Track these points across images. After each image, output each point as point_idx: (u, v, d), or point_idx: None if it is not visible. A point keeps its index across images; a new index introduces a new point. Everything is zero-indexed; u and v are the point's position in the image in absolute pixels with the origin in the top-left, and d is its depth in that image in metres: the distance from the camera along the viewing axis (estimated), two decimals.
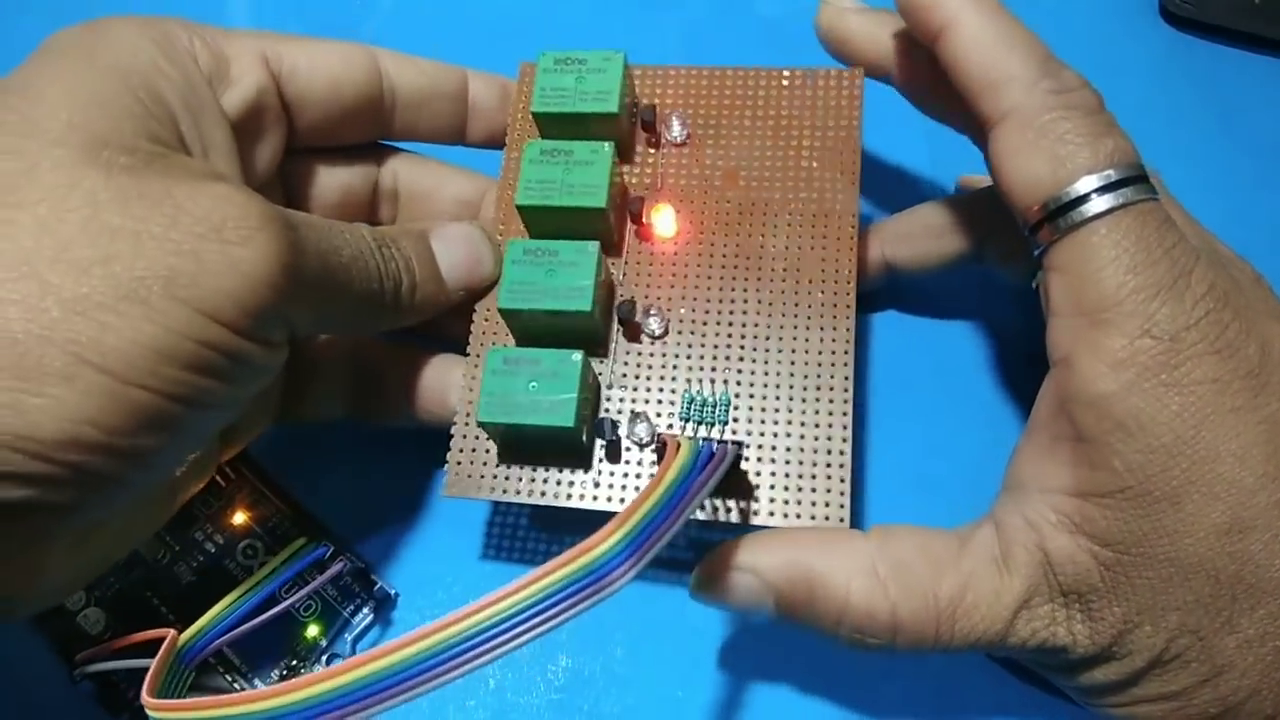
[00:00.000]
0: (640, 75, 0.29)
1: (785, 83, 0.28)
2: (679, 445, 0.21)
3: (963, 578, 0.22)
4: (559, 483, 0.25)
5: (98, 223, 0.19)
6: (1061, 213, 0.22)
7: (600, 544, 0.19)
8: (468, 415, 0.26)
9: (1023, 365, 0.31)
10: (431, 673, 0.17)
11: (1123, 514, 0.21)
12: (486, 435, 0.25)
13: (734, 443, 0.24)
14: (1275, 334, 0.22)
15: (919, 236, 0.29)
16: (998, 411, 0.30)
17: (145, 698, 0.20)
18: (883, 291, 0.31)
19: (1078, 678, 0.22)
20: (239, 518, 0.27)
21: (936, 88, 0.25)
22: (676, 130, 0.28)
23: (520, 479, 0.25)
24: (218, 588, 0.26)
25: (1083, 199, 0.21)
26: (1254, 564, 0.20)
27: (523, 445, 0.25)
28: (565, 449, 0.25)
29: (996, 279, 0.29)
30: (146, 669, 0.24)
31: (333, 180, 0.28)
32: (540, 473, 0.25)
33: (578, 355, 0.24)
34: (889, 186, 0.33)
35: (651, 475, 0.24)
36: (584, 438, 0.24)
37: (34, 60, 0.21)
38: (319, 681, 0.17)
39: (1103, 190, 0.21)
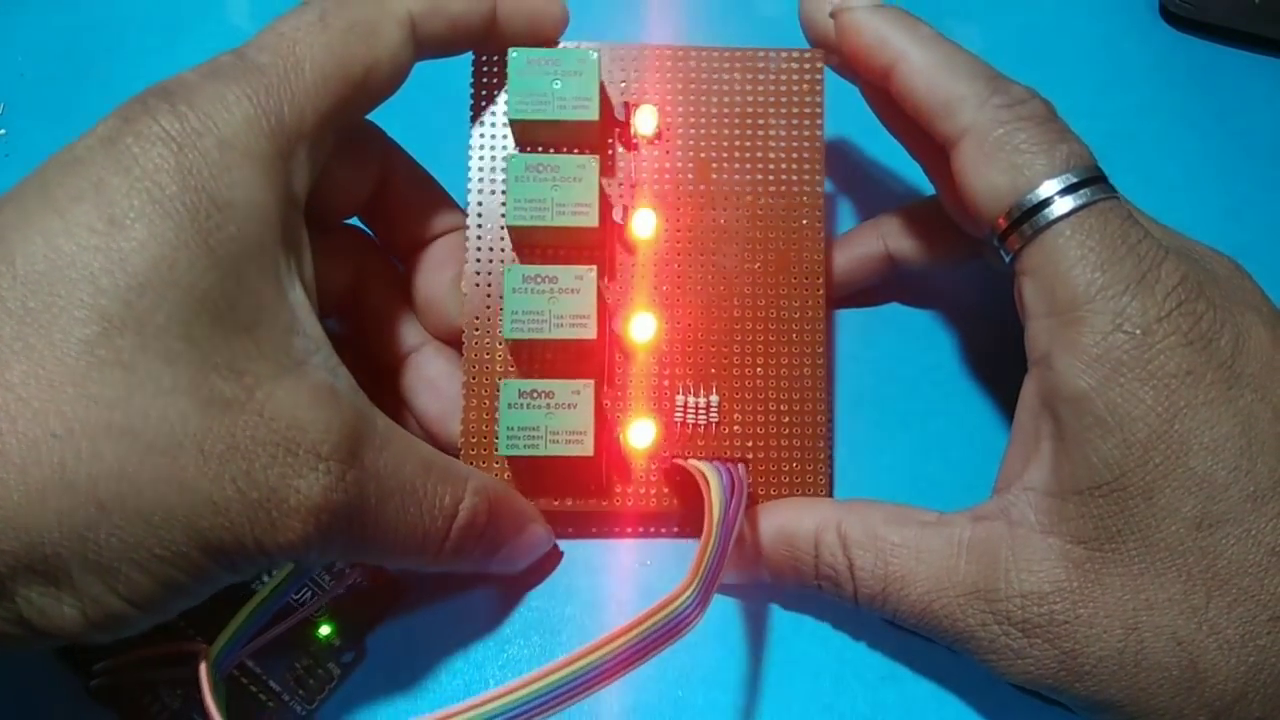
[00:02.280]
0: (609, 56, 0.27)
1: (749, 64, 0.28)
2: (707, 481, 0.24)
3: (917, 552, 0.23)
4: (567, 490, 0.26)
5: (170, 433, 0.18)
6: (1026, 218, 0.22)
7: (679, 596, 0.21)
8: (473, 440, 0.26)
9: (1025, 362, 0.31)
10: (540, 706, 0.20)
11: (1097, 510, 0.21)
12: (499, 463, 0.26)
13: (740, 462, 0.26)
14: (1251, 324, 0.22)
15: (922, 229, 0.29)
16: (1001, 408, 0.30)
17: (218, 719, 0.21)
18: (885, 285, 0.31)
19: (1047, 683, 0.22)
20: None
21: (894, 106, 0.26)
22: (648, 123, 0.27)
23: (536, 495, 0.26)
24: (227, 593, 0.26)
25: (1045, 203, 0.22)
26: (1226, 558, 0.20)
27: (534, 465, 0.26)
28: (579, 468, 0.26)
29: (1000, 274, 0.29)
30: (165, 679, 0.25)
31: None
32: (553, 485, 0.26)
33: (590, 387, 0.25)
34: (890, 181, 0.33)
35: (654, 477, 0.26)
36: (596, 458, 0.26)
37: (130, 200, 0.19)
38: None
39: (1063, 193, 0.22)
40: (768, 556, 0.25)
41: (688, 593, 0.21)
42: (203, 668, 0.23)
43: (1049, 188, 0.22)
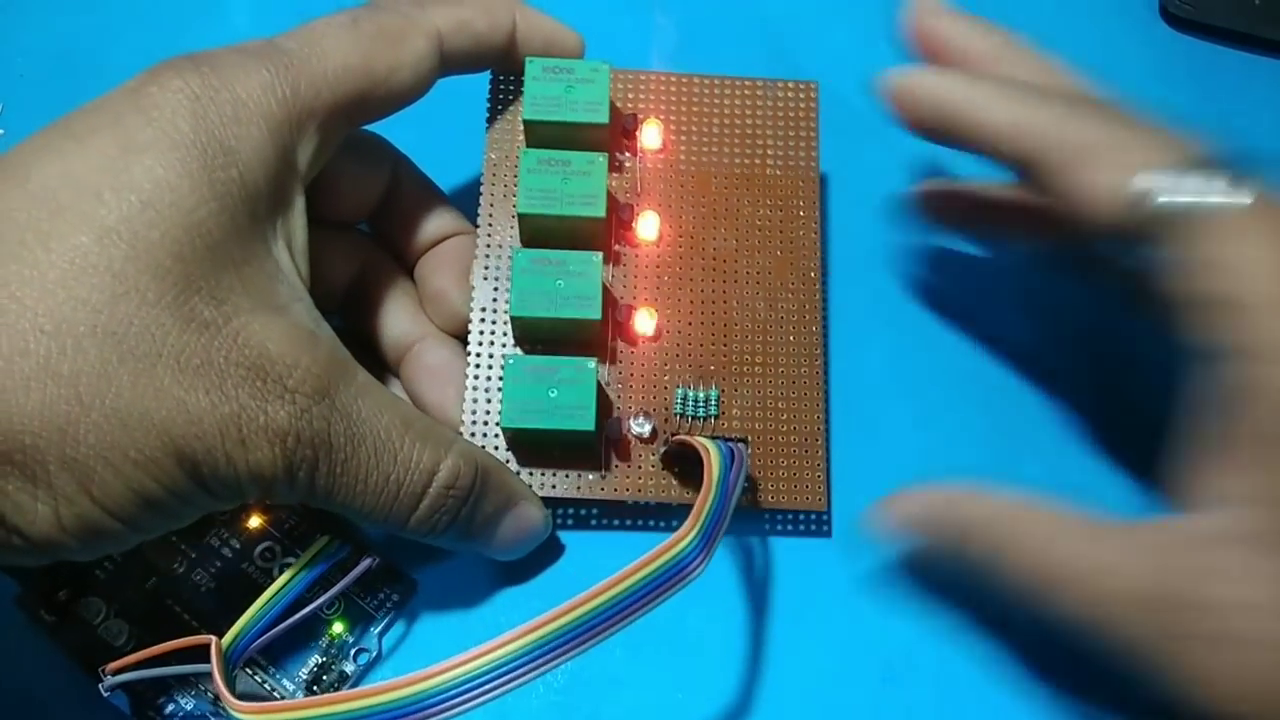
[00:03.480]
0: (617, 80, 0.29)
1: (749, 92, 0.30)
2: (706, 448, 0.24)
3: (1096, 551, 0.21)
4: (568, 476, 0.27)
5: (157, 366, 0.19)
6: (1172, 206, 0.21)
7: (681, 540, 0.21)
8: (474, 417, 0.27)
9: (1033, 368, 0.31)
10: (553, 654, 0.20)
11: None
12: (497, 435, 0.27)
13: (740, 440, 0.27)
14: None
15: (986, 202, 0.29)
16: (1004, 405, 0.30)
17: (233, 701, 0.21)
18: (891, 283, 0.32)
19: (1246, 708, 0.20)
20: (254, 521, 0.27)
21: None
22: (653, 137, 0.29)
23: (535, 476, 0.27)
24: (239, 592, 0.26)
25: (1197, 189, 0.21)
26: None
27: (534, 445, 0.27)
28: (579, 449, 0.27)
29: (1004, 270, 0.29)
30: (180, 676, 0.25)
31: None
32: (553, 470, 0.27)
33: (592, 363, 0.26)
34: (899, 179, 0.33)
35: (654, 466, 0.27)
36: (598, 437, 0.26)
37: (144, 133, 0.21)
38: (416, 682, 0.19)
39: (1213, 179, 0.21)
40: (974, 530, 0.23)
41: (689, 538, 0.21)
42: (214, 655, 0.23)
43: (1194, 179, 0.21)
